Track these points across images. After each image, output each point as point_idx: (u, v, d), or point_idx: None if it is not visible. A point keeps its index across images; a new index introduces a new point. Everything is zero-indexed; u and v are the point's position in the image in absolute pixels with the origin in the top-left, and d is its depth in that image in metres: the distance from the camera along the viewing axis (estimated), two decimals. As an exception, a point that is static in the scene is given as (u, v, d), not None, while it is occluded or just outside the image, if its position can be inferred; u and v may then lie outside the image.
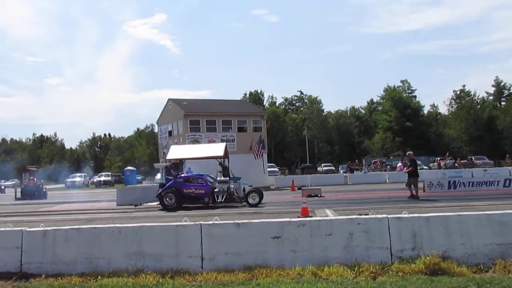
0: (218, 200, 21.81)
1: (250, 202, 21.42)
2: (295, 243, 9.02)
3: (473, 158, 58.56)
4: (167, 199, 21.32)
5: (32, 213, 22.20)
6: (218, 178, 23.50)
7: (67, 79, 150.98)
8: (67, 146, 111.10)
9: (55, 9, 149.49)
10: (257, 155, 40.15)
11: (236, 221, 9.51)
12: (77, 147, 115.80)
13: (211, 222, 9.36)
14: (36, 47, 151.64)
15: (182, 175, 22.83)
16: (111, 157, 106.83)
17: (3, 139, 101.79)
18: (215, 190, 21.99)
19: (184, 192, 21.60)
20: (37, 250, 9.33)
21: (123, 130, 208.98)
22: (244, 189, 22.27)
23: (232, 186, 22.37)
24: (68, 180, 59.61)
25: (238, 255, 8.99)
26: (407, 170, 22.49)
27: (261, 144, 40.62)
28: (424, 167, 53.83)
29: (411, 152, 23.99)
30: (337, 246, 8.97)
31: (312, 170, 58.33)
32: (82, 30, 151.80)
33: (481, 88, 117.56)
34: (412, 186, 22.03)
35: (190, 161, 30.97)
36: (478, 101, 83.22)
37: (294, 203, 20.40)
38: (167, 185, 22.34)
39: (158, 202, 22.15)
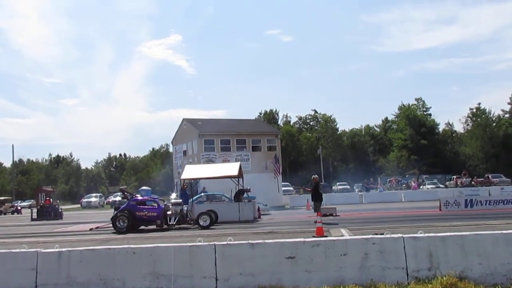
0: (171, 223, 21.85)
1: (201, 224, 21.42)
2: (309, 263, 8.96)
3: (490, 176, 57.94)
4: (120, 222, 21.35)
5: (47, 234, 22.30)
6: (173, 201, 23.57)
7: (83, 99, 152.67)
8: (83, 166, 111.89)
9: (71, 30, 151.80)
10: (277, 173, 40.56)
11: (250, 242, 9.47)
12: (93, 167, 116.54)
13: (225, 243, 9.34)
14: (52, 68, 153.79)
15: (138, 198, 22.92)
16: (126, 177, 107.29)
17: (20, 160, 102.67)
18: (168, 212, 22.03)
19: (137, 215, 21.72)
20: (52, 271, 9.34)
21: (138, 149, 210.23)
22: (202, 212, 22.21)
23: (185, 208, 22.44)
24: (84, 200, 60.03)
25: (252, 276, 8.94)
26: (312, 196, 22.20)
27: (277, 164, 40.87)
28: (440, 185, 53.44)
29: (316, 176, 23.53)
30: (352, 266, 8.89)
31: (327, 189, 58.02)
32: (98, 50, 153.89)
33: (497, 105, 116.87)
34: (314, 210, 21.85)
35: (205, 181, 31.10)
36: (494, 118, 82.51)
37: (309, 223, 20.30)
38: (121, 208, 22.49)
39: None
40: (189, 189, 27.74)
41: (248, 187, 27.85)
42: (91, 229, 22.90)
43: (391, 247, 8.96)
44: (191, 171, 27.66)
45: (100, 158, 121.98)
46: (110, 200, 60.23)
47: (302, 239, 9.48)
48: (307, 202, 34.94)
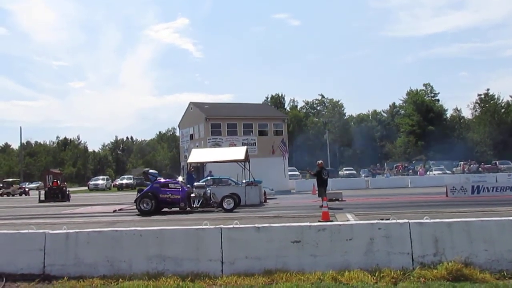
0: (194, 205, 21.86)
1: (225, 207, 21.38)
2: (315, 248, 8.99)
3: (497, 163, 57.74)
4: (144, 204, 21.34)
5: (55, 216, 22.45)
6: (196, 183, 23.55)
7: (90, 82, 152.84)
8: (90, 149, 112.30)
9: (79, 14, 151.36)
10: (286, 156, 40.73)
11: (256, 225, 9.51)
12: (100, 150, 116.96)
13: (231, 226, 9.38)
14: (60, 51, 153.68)
15: (161, 180, 22.93)
16: (133, 160, 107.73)
17: (28, 142, 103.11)
18: (192, 195, 22.04)
19: (161, 197, 21.64)
20: (60, 252, 9.42)
21: (145, 133, 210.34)
22: (226, 195, 22.18)
23: (209, 191, 22.41)
24: (91, 182, 60.36)
25: (258, 259, 8.99)
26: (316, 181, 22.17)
27: (285, 147, 40.93)
28: (447, 171, 53.37)
29: (321, 161, 22.86)
30: (357, 251, 8.92)
31: (334, 174, 58.06)
32: (106, 34, 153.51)
33: (506, 91, 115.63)
34: (318, 195, 21.89)
35: (211, 164, 31.17)
36: (503, 105, 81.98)
37: (315, 207, 20.35)
38: (144, 190, 22.46)
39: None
40: (196, 172, 27.82)
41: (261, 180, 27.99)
42: (114, 211, 23.00)
43: (396, 233, 8.97)
44: (197, 155, 27.73)
45: (107, 141, 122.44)
46: (117, 183, 60.72)
47: (308, 224, 9.49)
48: (313, 187, 35.04)
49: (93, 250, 9.36)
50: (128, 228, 10.17)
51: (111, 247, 9.37)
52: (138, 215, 21.08)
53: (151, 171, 25.44)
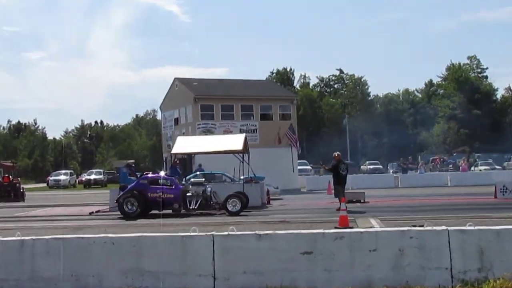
0: (191, 207, 21.84)
1: (229, 209, 21.42)
2: (330, 260, 9.02)
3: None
4: (128, 205, 21.34)
5: (6, 219, 22.52)
6: (193, 180, 23.55)
7: (50, 53, 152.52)
8: (50, 136, 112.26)
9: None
10: (296, 146, 40.67)
11: (257, 232, 9.51)
12: (62, 138, 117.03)
13: (226, 233, 9.40)
14: (13, 14, 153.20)
15: (148, 175, 22.91)
16: (103, 150, 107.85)
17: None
18: (188, 194, 22.00)
19: (149, 196, 21.68)
20: (13, 264, 9.44)
21: (118, 117, 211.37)
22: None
23: (209, 189, 22.38)
24: (51, 178, 60.36)
25: (259, 274, 9.02)
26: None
27: (293, 135, 40.87)
28: (497, 166, 53.38)
29: (338, 153, 22.87)
30: (383, 264, 8.95)
31: (355, 169, 58.15)
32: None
33: None
34: (334, 195, 22.14)
35: (201, 156, 31.21)
36: None
37: (331, 210, 20.42)
38: (128, 188, 22.40)
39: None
40: (182, 166, 27.84)
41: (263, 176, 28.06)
42: (91, 213, 23.07)
43: (432, 242, 8.99)
44: (184, 144, 27.74)
45: (70, 127, 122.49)
46: (84, 179, 60.78)
47: (321, 231, 9.53)
48: (328, 185, 35.09)
49: (54, 262, 9.35)
50: (97, 235, 10.18)
51: (76, 258, 9.38)
52: (120, 218, 21.12)
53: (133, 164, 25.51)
